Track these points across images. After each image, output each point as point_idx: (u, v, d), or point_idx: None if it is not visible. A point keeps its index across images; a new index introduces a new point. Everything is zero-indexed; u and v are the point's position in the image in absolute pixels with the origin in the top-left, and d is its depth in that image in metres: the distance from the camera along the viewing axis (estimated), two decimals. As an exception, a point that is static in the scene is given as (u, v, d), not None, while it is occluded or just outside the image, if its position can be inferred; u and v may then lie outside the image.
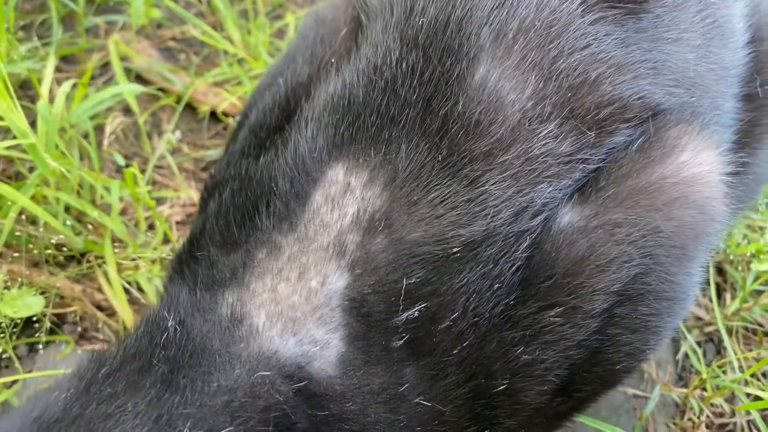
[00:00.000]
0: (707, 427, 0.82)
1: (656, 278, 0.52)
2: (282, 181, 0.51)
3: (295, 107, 0.57)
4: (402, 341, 0.48)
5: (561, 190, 0.50)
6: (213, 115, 1.11)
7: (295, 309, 0.49)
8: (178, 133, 1.08)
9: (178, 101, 1.10)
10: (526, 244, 0.49)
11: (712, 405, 0.84)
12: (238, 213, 0.53)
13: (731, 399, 0.86)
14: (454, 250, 0.48)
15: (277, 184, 0.51)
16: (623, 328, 0.53)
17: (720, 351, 0.90)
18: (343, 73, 0.54)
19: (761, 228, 0.97)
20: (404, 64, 0.50)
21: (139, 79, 1.13)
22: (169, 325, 0.49)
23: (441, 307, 0.48)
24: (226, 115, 1.09)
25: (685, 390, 0.84)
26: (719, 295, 0.94)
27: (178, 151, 1.06)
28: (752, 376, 0.84)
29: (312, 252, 0.49)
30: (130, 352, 0.49)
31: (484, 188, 0.48)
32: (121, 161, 0.93)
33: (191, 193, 1.01)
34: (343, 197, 0.50)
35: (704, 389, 0.84)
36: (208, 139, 1.09)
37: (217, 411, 0.46)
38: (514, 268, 0.49)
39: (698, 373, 0.86)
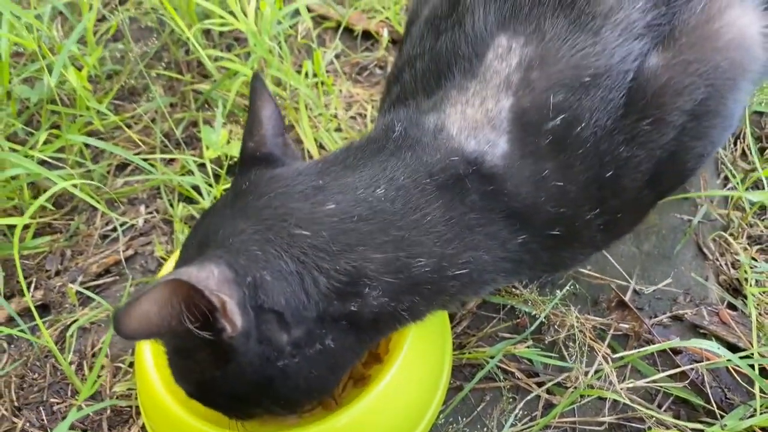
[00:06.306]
0: (748, 237, 1.10)
1: (715, 101, 0.76)
2: (464, 46, 0.75)
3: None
4: (547, 141, 0.72)
5: (647, 44, 0.74)
6: (365, 34, 1.47)
7: (476, 122, 0.73)
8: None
9: (338, 27, 1.47)
10: (629, 78, 0.72)
11: (750, 225, 1.11)
12: (434, 74, 0.77)
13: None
14: (585, 78, 0.71)
15: (461, 48, 0.75)
16: (691, 137, 0.77)
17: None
18: None
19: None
20: None
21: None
22: (397, 128, 0.75)
23: (574, 118, 0.71)
24: (376, 32, 1.45)
25: (726, 210, 1.12)
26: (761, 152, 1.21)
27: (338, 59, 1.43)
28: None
29: (489, 88, 0.73)
30: (372, 138, 0.76)
31: (604, 37, 0.72)
32: (314, 45, 1.30)
33: (351, 89, 1.37)
34: (508, 54, 0.73)
35: (744, 211, 1.12)
36: (361, 52, 1.45)
37: (420, 172, 0.72)
38: (621, 93, 0.73)
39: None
